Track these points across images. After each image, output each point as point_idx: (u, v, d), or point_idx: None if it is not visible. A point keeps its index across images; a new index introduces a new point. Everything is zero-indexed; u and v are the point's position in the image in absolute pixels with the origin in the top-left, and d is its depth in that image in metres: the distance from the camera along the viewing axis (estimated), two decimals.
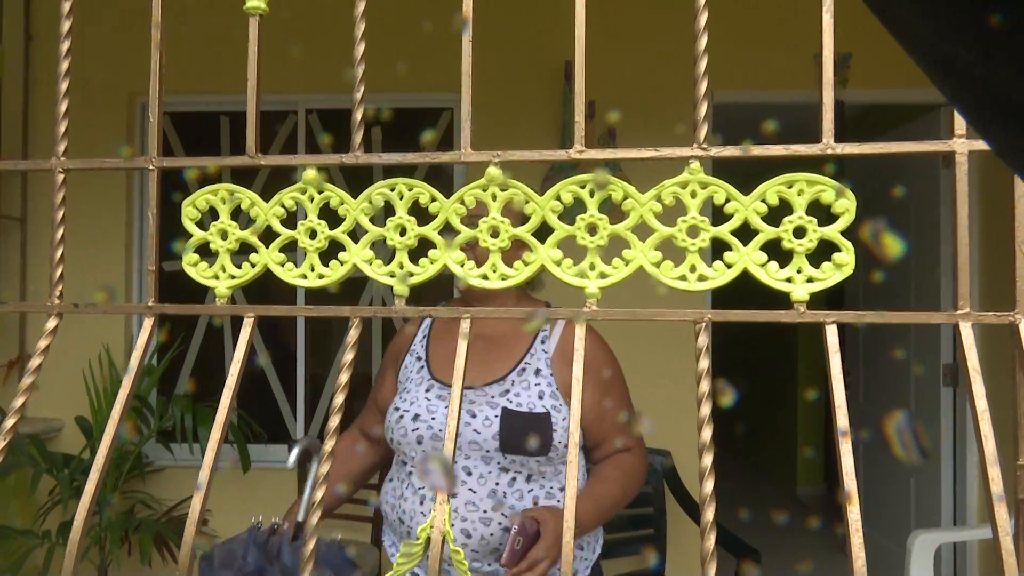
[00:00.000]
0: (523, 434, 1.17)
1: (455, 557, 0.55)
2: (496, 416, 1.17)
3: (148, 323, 0.73)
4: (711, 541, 0.57)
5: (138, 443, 2.28)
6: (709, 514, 0.58)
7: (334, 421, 0.68)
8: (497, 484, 1.17)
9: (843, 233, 0.63)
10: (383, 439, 1.31)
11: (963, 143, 0.62)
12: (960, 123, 0.62)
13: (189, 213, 0.75)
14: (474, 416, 1.18)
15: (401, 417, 1.22)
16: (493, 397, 1.21)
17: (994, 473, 0.56)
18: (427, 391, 1.24)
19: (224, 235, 0.74)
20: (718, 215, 0.65)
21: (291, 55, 2.28)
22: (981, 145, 0.63)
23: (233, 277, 0.74)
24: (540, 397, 1.21)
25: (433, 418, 1.21)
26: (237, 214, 0.74)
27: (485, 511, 1.14)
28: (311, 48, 2.50)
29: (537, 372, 1.23)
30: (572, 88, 2.57)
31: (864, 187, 3.32)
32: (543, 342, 1.27)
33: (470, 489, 1.16)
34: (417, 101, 2.65)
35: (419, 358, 1.31)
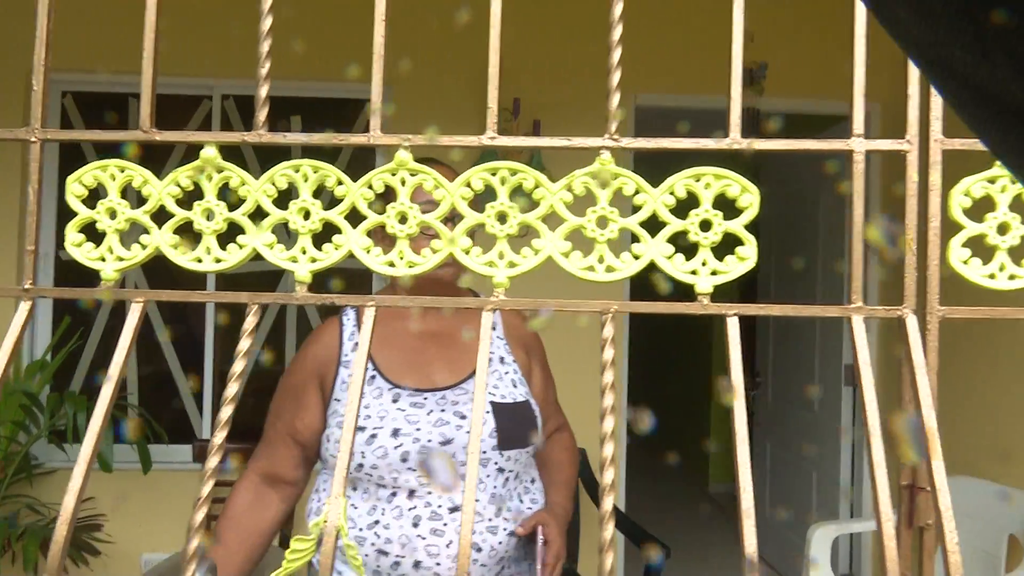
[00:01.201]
0: (517, 427, 1.11)
1: (349, 552, 0.52)
2: (488, 412, 1.09)
3: (24, 307, 0.68)
4: (609, 531, 0.57)
5: (25, 443, 2.12)
6: (608, 503, 0.57)
7: (226, 412, 0.64)
8: (495, 487, 1.09)
9: (749, 228, 0.65)
10: (299, 480, 1.16)
11: (861, 142, 0.64)
12: (859, 122, 0.65)
13: (74, 190, 0.70)
14: (464, 417, 1.09)
15: (374, 436, 1.07)
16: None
17: (878, 458, 0.58)
18: (394, 401, 1.10)
19: (113, 214, 0.70)
20: (627, 207, 0.65)
21: (205, 35, 2.18)
22: (878, 145, 0.66)
23: (121, 259, 0.70)
24: (515, 385, 1.15)
25: (418, 429, 1.07)
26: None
27: (490, 519, 1.06)
28: (226, 29, 2.41)
29: (502, 360, 1.18)
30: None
31: (779, 186, 3.45)
32: (494, 328, 1.21)
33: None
34: (339, 91, 2.59)
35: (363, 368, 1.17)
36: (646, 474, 5.32)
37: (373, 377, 1.12)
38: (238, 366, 0.66)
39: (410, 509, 1.05)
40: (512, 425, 1.10)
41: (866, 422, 0.58)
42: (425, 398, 1.11)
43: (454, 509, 1.04)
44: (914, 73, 0.62)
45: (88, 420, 2.01)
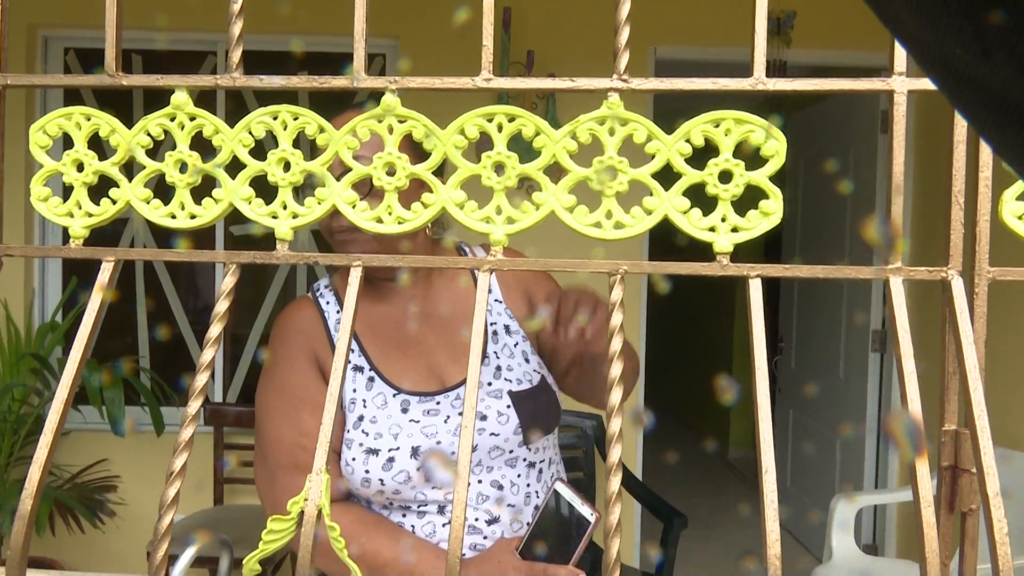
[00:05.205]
0: (540, 414, 0.98)
1: (331, 534, 0.48)
2: (508, 407, 0.96)
3: None
4: (615, 515, 0.52)
5: (36, 406, 2.13)
6: (615, 484, 0.52)
7: (201, 379, 0.60)
8: (529, 486, 0.98)
9: (774, 180, 0.58)
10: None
11: (902, 81, 0.57)
12: (900, 61, 0.57)
13: (38, 140, 0.65)
14: (485, 418, 0.95)
15: (391, 460, 0.91)
16: (490, 384, 0.98)
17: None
18: (404, 411, 0.95)
19: (80, 166, 0.65)
20: (638, 156, 0.58)
21: None
22: (921, 85, 0.58)
23: (90, 215, 0.65)
24: (526, 360, 1.02)
25: (438, 443, 0.93)
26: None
27: (528, 523, 0.95)
28: None
29: (508, 330, 1.03)
30: (510, 37, 2.48)
31: (805, 147, 3.33)
32: (489, 291, 1.08)
33: (509, 504, 0.95)
34: (348, 46, 2.51)
35: (358, 368, 0.97)
36: (666, 440, 5.30)
37: (372, 380, 0.97)
38: (214, 330, 0.61)
39: (444, 525, 0.93)
40: (535, 414, 0.98)
41: (904, 396, 0.52)
42: (438, 403, 0.96)
43: (492, 521, 0.93)
44: None
45: (100, 382, 1.97)
